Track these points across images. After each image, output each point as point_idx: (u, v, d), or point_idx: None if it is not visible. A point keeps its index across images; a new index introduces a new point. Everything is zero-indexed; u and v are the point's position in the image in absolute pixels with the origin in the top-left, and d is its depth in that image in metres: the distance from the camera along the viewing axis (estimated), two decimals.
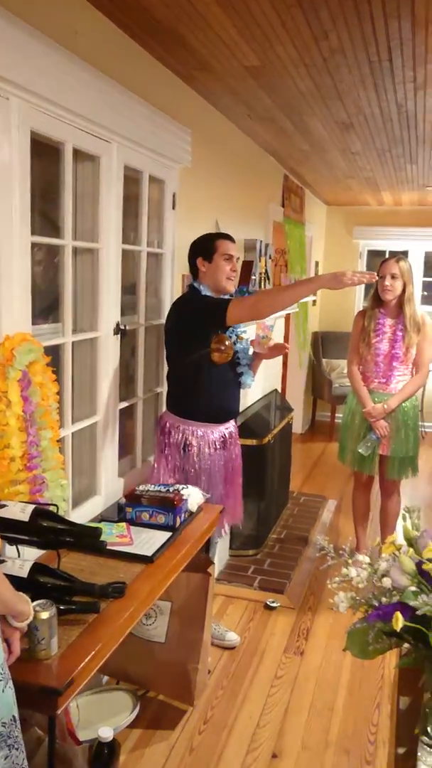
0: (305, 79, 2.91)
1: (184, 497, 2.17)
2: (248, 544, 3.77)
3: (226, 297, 2.49)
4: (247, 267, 3.81)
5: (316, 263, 6.93)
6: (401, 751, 0.87)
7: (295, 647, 2.90)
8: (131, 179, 2.61)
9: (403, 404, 3.44)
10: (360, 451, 3.41)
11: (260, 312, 2.42)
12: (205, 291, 2.53)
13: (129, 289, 2.73)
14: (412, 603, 0.75)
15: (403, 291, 3.39)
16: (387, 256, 3.54)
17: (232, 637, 2.89)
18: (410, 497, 4.49)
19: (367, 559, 0.91)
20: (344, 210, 7.21)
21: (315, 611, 3.18)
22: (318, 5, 2.16)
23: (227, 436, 2.63)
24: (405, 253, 6.44)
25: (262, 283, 4.15)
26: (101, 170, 2.31)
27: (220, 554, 3.51)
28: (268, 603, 3.23)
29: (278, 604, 3.23)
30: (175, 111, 2.83)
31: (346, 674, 2.71)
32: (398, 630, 0.74)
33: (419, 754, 0.83)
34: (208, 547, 2.58)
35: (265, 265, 4.22)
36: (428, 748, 0.83)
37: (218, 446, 2.58)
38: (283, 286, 2.41)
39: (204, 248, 2.57)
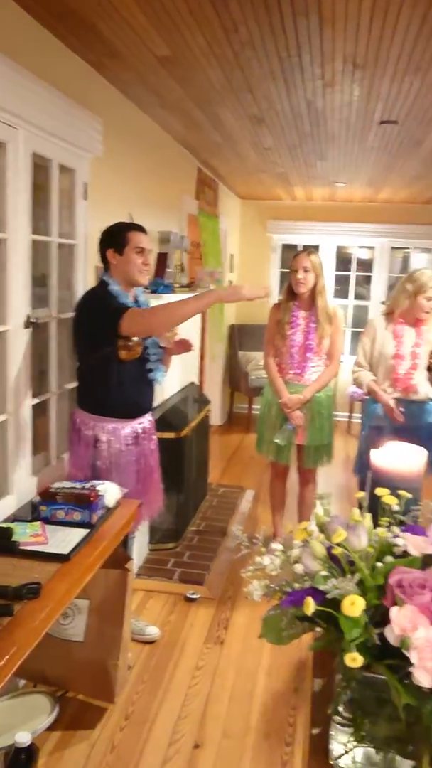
0: (216, 71, 2.92)
1: (101, 493, 2.13)
2: (167, 538, 3.77)
3: (125, 304, 2.43)
4: (162, 259, 3.79)
5: (231, 256, 6.99)
6: (316, 730, 0.89)
7: (216, 637, 2.93)
8: (41, 168, 2.53)
9: (318, 394, 3.52)
10: (276, 441, 3.47)
11: (153, 329, 2.43)
12: (114, 285, 2.47)
13: (40, 280, 2.65)
14: (322, 587, 0.77)
15: (316, 284, 3.47)
16: (300, 249, 3.61)
17: (152, 631, 2.88)
18: (326, 485, 4.62)
19: (280, 547, 0.92)
20: (258, 204, 7.30)
21: (235, 601, 3.22)
22: None
23: (140, 431, 2.60)
24: (317, 248, 6.61)
25: (178, 276, 4.14)
26: (7, 157, 2.23)
27: (140, 549, 3.48)
28: (188, 595, 3.24)
29: (198, 596, 3.24)
30: (86, 99, 2.76)
31: (266, 660, 2.76)
32: (310, 614, 0.75)
33: (332, 732, 0.86)
34: (126, 542, 2.55)
35: (180, 258, 4.21)
36: (340, 727, 0.85)
37: (130, 442, 2.55)
38: (178, 302, 2.41)
39: (115, 240, 2.49)
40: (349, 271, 7.46)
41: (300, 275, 3.42)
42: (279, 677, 2.66)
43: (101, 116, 2.86)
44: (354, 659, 0.73)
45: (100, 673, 2.33)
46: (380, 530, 0.87)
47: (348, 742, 0.84)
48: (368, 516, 0.87)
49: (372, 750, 0.85)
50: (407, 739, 0.80)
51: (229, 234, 6.67)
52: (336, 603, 0.76)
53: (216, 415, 6.65)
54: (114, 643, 2.31)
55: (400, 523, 0.91)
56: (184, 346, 2.77)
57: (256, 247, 7.40)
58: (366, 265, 7.46)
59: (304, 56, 2.73)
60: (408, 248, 7.41)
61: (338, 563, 0.82)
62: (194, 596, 3.23)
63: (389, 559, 0.83)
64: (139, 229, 2.55)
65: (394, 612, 0.74)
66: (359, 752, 0.86)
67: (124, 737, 2.28)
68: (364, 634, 0.76)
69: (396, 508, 0.94)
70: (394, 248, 7.38)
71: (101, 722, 2.34)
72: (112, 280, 2.49)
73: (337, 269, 7.37)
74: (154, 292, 3.51)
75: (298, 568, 0.84)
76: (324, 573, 0.81)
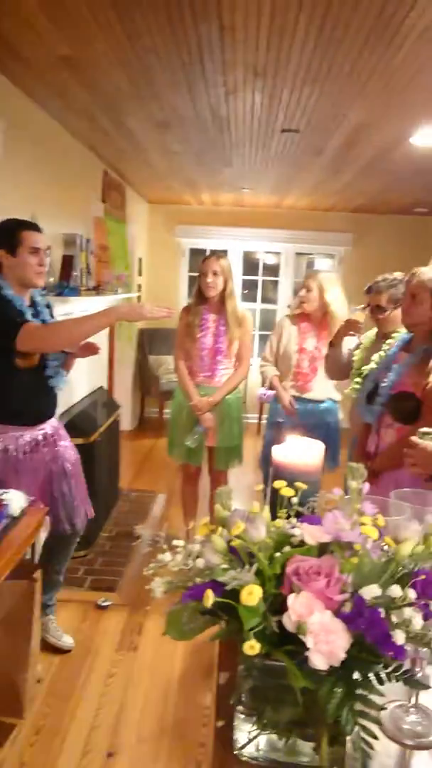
0: (120, 76, 2.91)
1: (5, 502, 2.07)
2: (78, 545, 3.69)
3: (22, 314, 2.35)
4: (68, 262, 3.72)
5: (140, 260, 6.97)
6: (220, 723, 0.91)
7: (129, 643, 2.90)
8: None
9: (227, 397, 3.57)
10: (188, 443, 3.49)
11: (50, 347, 2.40)
12: (7, 289, 2.37)
13: None
14: (221, 579, 0.78)
15: (225, 287, 3.52)
16: (208, 254, 3.67)
17: (68, 640, 2.83)
18: (237, 485, 4.68)
19: (181, 543, 0.93)
20: (166, 208, 7.32)
21: (148, 606, 3.20)
22: (130, 4, 2.16)
23: (40, 438, 2.53)
24: (225, 252, 6.70)
25: (83, 278, 4.08)
26: None
27: None
28: (99, 603, 3.19)
29: (110, 603, 3.20)
30: None
31: (179, 663, 2.77)
32: (209, 606, 0.77)
33: (235, 723, 0.88)
34: (33, 551, 2.48)
35: (86, 260, 4.15)
36: (242, 716, 0.87)
37: (28, 450, 2.48)
38: (77, 319, 2.39)
39: (6, 240, 2.37)
40: (257, 275, 7.61)
41: (209, 279, 3.46)
42: (192, 679, 2.67)
43: (2, 117, 2.78)
44: (252, 647, 0.75)
45: (8, 689, 2.25)
46: (278, 521, 0.90)
47: (251, 731, 0.87)
48: (266, 508, 0.90)
49: (275, 736, 0.87)
50: (307, 723, 0.83)
51: (137, 238, 6.65)
52: (236, 594, 0.77)
53: (126, 420, 6.59)
54: (22, 656, 2.24)
55: (298, 515, 0.94)
56: (89, 349, 2.73)
57: (165, 251, 7.41)
58: (273, 270, 7.64)
59: (206, 64, 2.77)
60: (312, 254, 7.66)
61: (238, 555, 0.84)
62: (105, 603, 3.19)
63: (287, 549, 0.85)
64: (33, 227, 2.45)
65: (291, 599, 0.77)
66: (263, 740, 0.88)
67: (35, 753, 2.21)
68: (263, 623, 0.78)
69: (295, 500, 0.97)
70: (299, 254, 7.60)
71: (10, 739, 2.26)
72: (4, 283, 2.38)
73: (245, 273, 7.51)
74: (59, 294, 3.44)
75: (200, 562, 0.85)
76: (224, 566, 0.82)
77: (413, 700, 0.97)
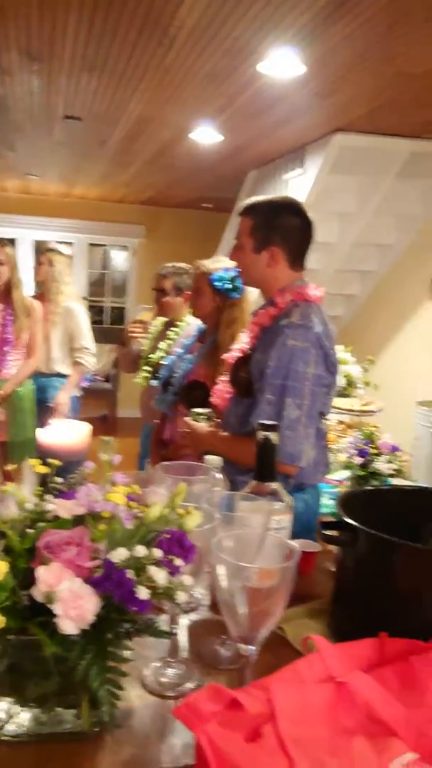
0: None
1: None
2: None
3: None
4: None
5: None
6: None
7: None
8: None
9: (18, 389, 3.46)
10: None
11: None
12: None
13: None
14: None
15: (11, 277, 3.39)
16: None
17: None
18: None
19: None
20: None
21: None
22: None
23: None
24: (12, 241, 6.43)
25: None
26: None
27: None
28: None
29: None
30: None
31: None
32: None
33: None
34: None
35: None
36: (3, 696, 0.87)
37: None
38: None
39: None
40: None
41: None
42: None
43: None
44: None
45: None
46: (26, 497, 0.91)
47: (10, 708, 0.87)
48: (20, 486, 0.90)
49: (38, 710, 0.89)
50: (66, 691, 0.86)
51: None
52: None
53: None
54: None
55: (60, 492, 0.96)
56: None
57: None
58: None
59: None
60: (105, 245, 7.65)
61: None
62: None
63: (41, 525, 0.87)
64: None
65: (41, 571, 0.79)
66: (26, 716, 0.89)
67: None
68: (11, 597, 0.79)
69: (60, 480, 0.98)
70: (92, 245, 7.55)
71: None
72: None
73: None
74: None
75: None
76: None
77: (177, 656, 1.04)
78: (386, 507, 1.27)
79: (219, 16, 2.39)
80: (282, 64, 2.81)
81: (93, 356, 4.01)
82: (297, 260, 1.72)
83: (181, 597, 0.83)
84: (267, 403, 1.61)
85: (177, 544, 0.85)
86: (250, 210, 1.72)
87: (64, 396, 3.89)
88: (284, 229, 1.68)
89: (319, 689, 0.85)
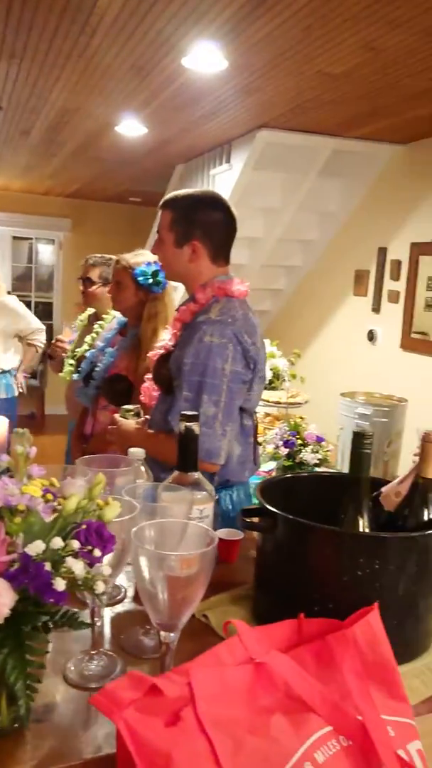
0: None
1: None
2: None
3: None
4: None
5: None
6: None
7: None
8: None
9: None
10: None
11: None
12: None
13: None
14: None
15: None
16: None
17: None
18: None
19: None
20: None
21: None
22: None
23: None
24: None
25: None
26: None
27: None
28: None
29: None
30: None
31: None
32: None
33: None
34: None
35: None
36: None
37: None
38: None
39: None
40: None
41: None
42: None
43: None
44: None
45: None
46: None
47: None
48: None
49: None
50: None
51: None
52: None
53: None
54: None
55: None
56: None
57: None
58: None
59: None
60: (32, 238, 7.48)
61: None
62: None
63: None
64: None
65: None
66: None
67: None
68: None
69: None
70: (16, 238, 7.36)
71: None
72: None
73: None
74: None
75: None
76: None
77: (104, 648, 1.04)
78: (305, 493, 1.31)
79: (141, 6, 2.37)
80: (205, 58, 2.82)
81: (43, 332, 4.35)
82: (220, 255, 1.73)
83: (100, 587, 0.83)
84: (184, 400, 1.60)
85: (95, 535, 0.85)
86: (170, 203, 1.72)
87: (20, 376, 4.30)
88: (205, 223, 1.69)
89: (238, 671, 0.87)
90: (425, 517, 1.14)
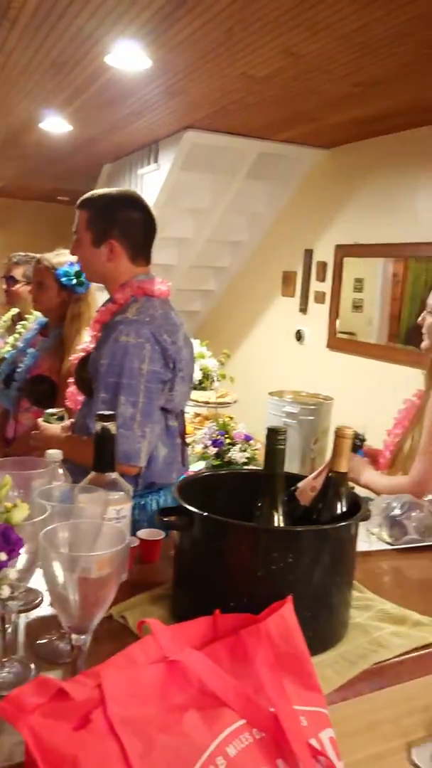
0: None
1: None
2: None
3: None
4: None
5: None
6: None
7: None
8: None
9: None
10: None
11: None
12: None
13: None
14: None
15: None
16: None
17: None
18: None
19: None
20: None
21: None
22: None
23: None
24: None
25: None
26: None
27: None
28: None
29: None
30: None
31: None
32: None
33: None
34: None
35: None
36: None
37: None
38: None
39: None
40: None
41: None
42: None
43: None
44: None
45: None
46: None
47: None
48: None
49: None
50: None
51: None
52: None
53: None
54: None
55: None
56: None
57: None
58: None
59: None
60: None
61: None
62: None
63: None
64: None
65: None
66: None
67: None
68: None
69: None
70: None
71: None
72: None
73: None
74: None
75: None
76: None
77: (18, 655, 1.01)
78: (226, 491, 1.32)
79: (60, 2, 2.34)
80: (128, 57, 2.81)
81: None
82: (139, 255, 1.72)
83: (5, 592, 0.81)
84: (101, 402, 1.57)
85: (1, 538, 0.83)
86: (87, 203, 1.70)
87: None
88: (123, 222, 1.67)
89: (150, 670, 0.87)
90: (338, 510, 1.17)
